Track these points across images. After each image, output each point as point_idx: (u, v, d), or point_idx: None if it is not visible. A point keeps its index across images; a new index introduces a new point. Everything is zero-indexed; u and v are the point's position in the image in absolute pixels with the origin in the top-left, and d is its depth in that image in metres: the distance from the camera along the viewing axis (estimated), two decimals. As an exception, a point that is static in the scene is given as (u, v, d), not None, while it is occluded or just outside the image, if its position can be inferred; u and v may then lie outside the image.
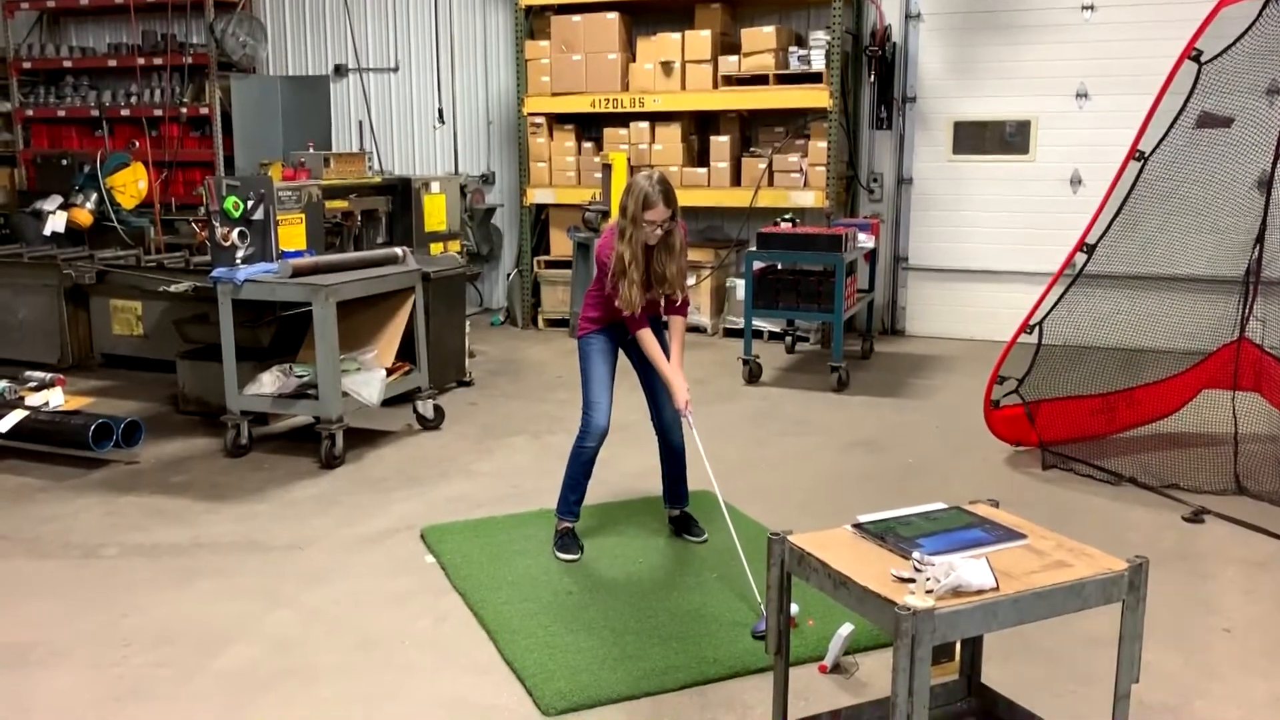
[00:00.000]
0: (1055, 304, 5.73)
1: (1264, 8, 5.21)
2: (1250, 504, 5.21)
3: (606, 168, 8.91)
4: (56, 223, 8.29)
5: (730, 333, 9.34)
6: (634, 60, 9.42)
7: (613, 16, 9.32)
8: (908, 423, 6.74)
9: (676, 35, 9.21)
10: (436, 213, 8.34)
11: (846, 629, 3.62)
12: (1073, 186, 8.91)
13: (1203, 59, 5.21)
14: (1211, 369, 6.01)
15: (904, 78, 9.31)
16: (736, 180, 9.36)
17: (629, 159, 8.99)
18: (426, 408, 6.57)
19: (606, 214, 8.60)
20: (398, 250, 6.53)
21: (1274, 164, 5.58)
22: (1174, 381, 6.01)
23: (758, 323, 8.75)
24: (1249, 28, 5.19)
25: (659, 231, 4.27)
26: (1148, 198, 5.47)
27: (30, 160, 9.90)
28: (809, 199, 8.93)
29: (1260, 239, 5.75)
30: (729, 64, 9.07)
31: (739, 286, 8.91)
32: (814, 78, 8.82)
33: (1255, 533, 4.85)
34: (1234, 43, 5.19)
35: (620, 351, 4.62)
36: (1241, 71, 5.27)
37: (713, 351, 8.77)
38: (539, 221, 10.20)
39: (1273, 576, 4.42)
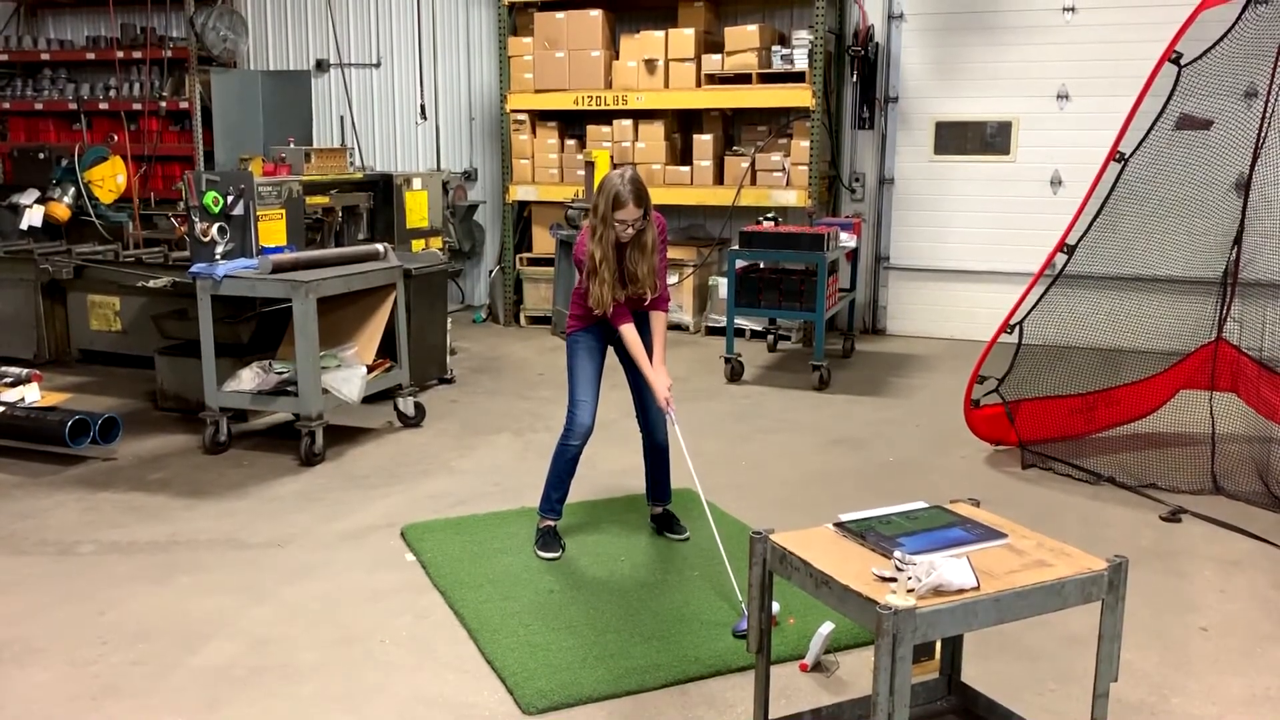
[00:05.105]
0: (1035, 304, 5.76)
1: (1243, 11, 5.26)
2: (1227, 503, 5.26)
3: (589, 165, 8.90)
4: (33, 217, 8.20)
5: (712, 331, 9.35)
6: (617, 58, 9.42)
7: (596, 14, 9.30)
8: (889, 421, 6.76)
9: (660, 33, 9.21)
10: (418, 209, 8.31)
11: (827, 627, 3.63)
12: (1053, 187, 8.96)
13: (1183, 61, 5.25)
14: (1189, 369, 6.05)
15: (886, 78, 9.34)
16: (719, 179, 9.37)
17: (612, 157, 8.98)
18: (407, 405, 6.54)
19: (589, 211, 8.58)
20: (379, 246, 6.51)
21: (1252, 166, 5.62)
22: (1152, 382, 6.05)
23: (740, 321, 8.78)
24: (1228, 30, 5.25)
25: (631, 230, 4.26)
26: (1127, 199, 5.52)
27: (7, 154, 9.78)
28: (791, 198, 8.94)
29: (1238, 240, 5.81)
30: (712, 62, 9.07)
31: (721, 285, 8.93)
32: (797, 77, 8.83)
33: (1232, 532, 4.89)
34: (1214, 45, 5.24)
35: (611, 349, 4.60)
36: (1221, 74, 5.32)
37: (695, 350, 8.77)
38: (521, 218, 10.18)
39: (1248, 575, 4.45)
